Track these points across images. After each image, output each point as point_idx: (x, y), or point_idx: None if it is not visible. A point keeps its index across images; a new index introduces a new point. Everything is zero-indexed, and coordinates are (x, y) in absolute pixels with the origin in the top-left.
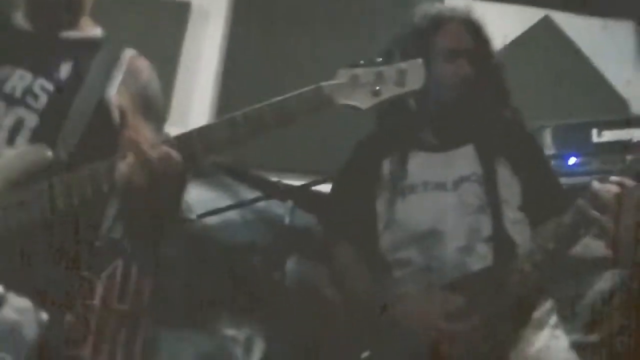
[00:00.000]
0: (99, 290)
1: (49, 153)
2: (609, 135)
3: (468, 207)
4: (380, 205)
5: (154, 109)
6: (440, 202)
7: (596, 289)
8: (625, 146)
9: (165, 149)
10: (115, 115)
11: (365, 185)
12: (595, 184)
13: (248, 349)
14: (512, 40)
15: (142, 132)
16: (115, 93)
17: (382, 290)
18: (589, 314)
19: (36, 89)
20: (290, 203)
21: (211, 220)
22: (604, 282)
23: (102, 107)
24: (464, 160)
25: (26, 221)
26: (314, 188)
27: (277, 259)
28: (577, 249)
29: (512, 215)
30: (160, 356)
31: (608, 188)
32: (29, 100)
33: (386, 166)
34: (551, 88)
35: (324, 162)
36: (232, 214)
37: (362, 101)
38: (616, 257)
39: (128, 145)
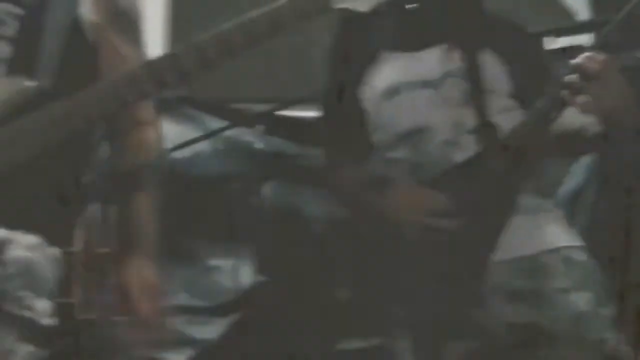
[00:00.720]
0: (79, 235)
1: (28, 83)
2: (560, 42)
3: (452, 101)
4: (367, 113)
5: (131, 22)
6: (424, 99)
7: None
8: (575, 50)
9: None
10: (91, 34)
11: (351, 100)
12: (577, 59)
13: (235, 277)
14: None
15: (121, 51)
16: (88, 9)
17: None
18: (569, 199)
19: (1, 15)
20: (259, 129)
21: (180, 153)
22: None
23: (76, 26)
24: (445, 56)
25: (16, 158)
26: (281, 112)
27: (252, 185)
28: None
29: (502, 104)
30: None
31: (592, 58)
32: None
33: (367, 74)
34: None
35: (289, 87)
36: (201, 146)
37: (361, 3)
38: (607, 127)
39: (109, 68)
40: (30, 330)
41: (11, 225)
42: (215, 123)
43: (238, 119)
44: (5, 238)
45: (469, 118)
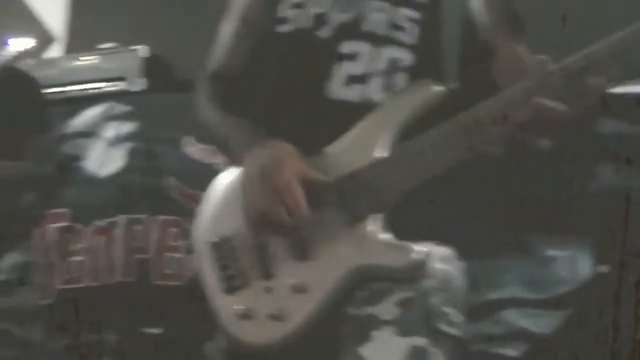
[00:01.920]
0: None
1: (437, 87)
2: None
3: None
4: None
5: (521, 24)
6: None
7: None
8: None
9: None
10: (484, 33)
11: None
12: None
13: (573, 268)
14: None
15: (519, 53)
16: (480, 10)
17: None
18: None
19: (401, 21)
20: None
21: None
22: None
23: (469, 25)
24: None
25: (435, 168)
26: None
27: (585, 166)
28: None
29: None
30: (481, 288)
31: None
32: (398, 35)
33: None
34: None
35: None
36: None
37: None
38: None
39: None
40: (456, 350)
41: (422, 237)
42: None
43: None
44: (427, 250)
45: None
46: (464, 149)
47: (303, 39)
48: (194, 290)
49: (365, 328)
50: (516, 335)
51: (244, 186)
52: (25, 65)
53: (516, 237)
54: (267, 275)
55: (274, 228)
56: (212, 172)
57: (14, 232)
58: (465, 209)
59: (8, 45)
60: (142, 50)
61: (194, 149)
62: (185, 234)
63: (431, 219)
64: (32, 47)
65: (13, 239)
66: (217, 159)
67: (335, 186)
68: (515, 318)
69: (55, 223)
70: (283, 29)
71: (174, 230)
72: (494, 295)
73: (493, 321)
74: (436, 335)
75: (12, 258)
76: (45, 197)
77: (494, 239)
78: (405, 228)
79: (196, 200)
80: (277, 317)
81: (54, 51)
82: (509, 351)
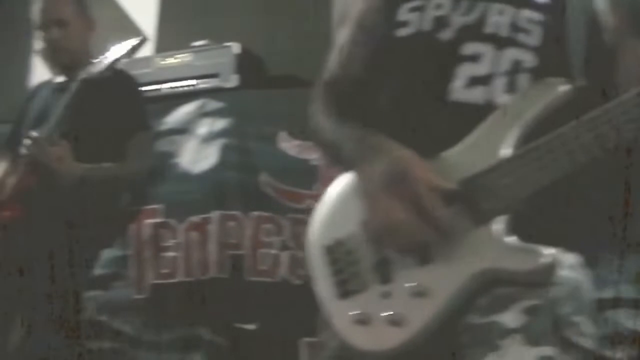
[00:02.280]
0: None
1: (565, 86)
2: None
3: None
4: None
5: None
6: None
7: None
8: None
9: None
10: (608, 34)
11: None
12: None
13: None
14: None
15: None
16: (604, 6)
17: None
18: None
19: (523, 23)
20: None
21: None
22: None
23: (593, 26)
24: None
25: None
26: None
27: None
28: None
29: None
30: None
31: None
32: (521, 37)
33: None
34: None
35: None
36: None
37: None
38: None
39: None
40: None
41: (546, 239)
42: None
43: None
44: (556, 254)
45: None
46: (596, 148)
47: (424, 42)
48: None
49: (489, 337)
50: (625, 336)
51: (366, 196)
52: (121, 65)
53: (627, 233)
54: (385, 279)
55: (404, 243)
56: (306, 168)
57: (112, 228)
58: (579, 206)
59: (112, 49)
60: (235, 46)
61: (288, 145)
62: (280, 230)
63: (551, 219)
64: (131, 48)
65: (111, 236)
66: (312, 155)
67: (459, 189)
68: (624, 319)
69: (149, 219)
70: (403, 32)
71: (268, 226)
72: (602, 294)
73: (600, 321)
74: (566, 346)
75: (110, 252)
76: (141, 193)
77: (604, 236)
78: (529, 230)
79: (290, 196)
80: (395, 323)
81: (147, 50)
82: (616, 353)
